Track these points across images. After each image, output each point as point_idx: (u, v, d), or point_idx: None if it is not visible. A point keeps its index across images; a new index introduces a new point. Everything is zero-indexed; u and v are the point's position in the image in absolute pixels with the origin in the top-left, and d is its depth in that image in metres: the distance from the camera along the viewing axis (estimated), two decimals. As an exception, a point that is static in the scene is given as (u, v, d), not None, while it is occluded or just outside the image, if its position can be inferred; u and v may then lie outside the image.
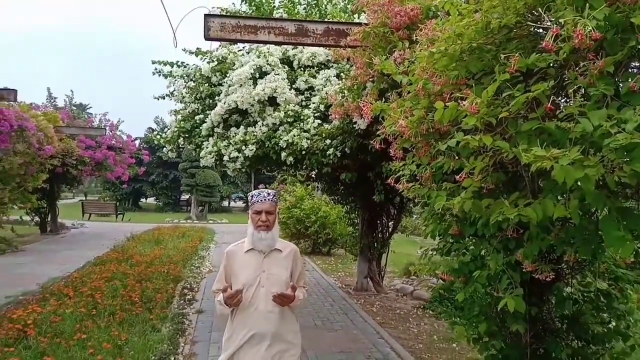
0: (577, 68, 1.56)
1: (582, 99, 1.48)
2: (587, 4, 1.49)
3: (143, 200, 39.53)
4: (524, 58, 1.68)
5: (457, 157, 2.10)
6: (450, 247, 3.38)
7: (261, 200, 2.58)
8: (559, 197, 1.66)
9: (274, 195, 2.67)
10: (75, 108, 30.02)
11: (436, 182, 2.56)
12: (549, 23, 1.60)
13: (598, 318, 3.50)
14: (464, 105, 1.70)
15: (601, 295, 3.46)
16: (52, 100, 21.21)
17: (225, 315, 2.61)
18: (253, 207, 2.60)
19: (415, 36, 2.50)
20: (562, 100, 1.65)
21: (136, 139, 24.49)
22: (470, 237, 3.21)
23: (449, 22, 1.99)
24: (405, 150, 2.67)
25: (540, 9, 1.68)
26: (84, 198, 35.67)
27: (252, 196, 2.65)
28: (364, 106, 2.81)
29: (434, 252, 3.73)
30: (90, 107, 40.77)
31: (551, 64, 1.77)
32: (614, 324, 3.48)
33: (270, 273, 2.56)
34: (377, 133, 2.63)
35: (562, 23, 1.49)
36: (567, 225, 2.37)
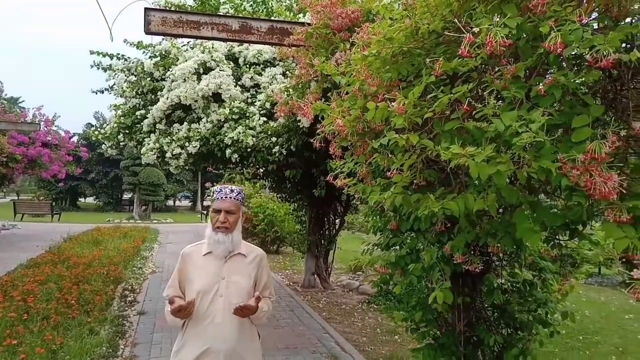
0: (494, 72, 1.69)
1: (498, 101, 1.61)
2: (502, 13, 1.62)
3: (82, 199, 37.64)
4: (448, 62, 1.79)
5: (390, 155, 2.20)
6: (389, 242, 3.52)
7: (222, 198, 2.27)
8: (480, 192, 1.80)
9: (239, 193, 2.34)
10: (5, 102, 28.06)
11: (374, 178, 2.67)
12: (473, 29, 1.72)
13: (525, 306, 3.76)
14: (393, 106, 1.80)
15: (527, 285, 3.72)
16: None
17: (177, 326, 2.29)
18: (213, 204, 2.31)
19: (351, 39, 2.59)
20: (483, 102, 1.78)
21: (74, 135, 23.28)
22: (408, 232, 3.37)
23: (381, 26, 2.09)
24: (345, 148, 2.75)
25: (462, 17, 1.80)
26: (16, 197, 33.44)
27: (213, 192, 2.38)
28: (304, 106, 2.87)
29: (376, 247, 3.88)
30: (23, 101, 38.31)
31: (474, 68, 1.91)
32: (540, 312, 3.75)
33: (230, 281, 2.25)
34: (317, 132, 2.70)
35: (478, 31, 1.61)
36: (492, 219, 2.55)
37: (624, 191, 1.47)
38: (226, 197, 2.28)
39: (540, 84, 1.58)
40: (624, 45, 1.68)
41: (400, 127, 1.90)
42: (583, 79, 1.64)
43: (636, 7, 1.75)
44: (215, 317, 2.20)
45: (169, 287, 2.33)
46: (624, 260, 2.35)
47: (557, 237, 2.83)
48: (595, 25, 1.88)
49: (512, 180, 1.72)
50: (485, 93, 1.65)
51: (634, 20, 1.75)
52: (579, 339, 6.34)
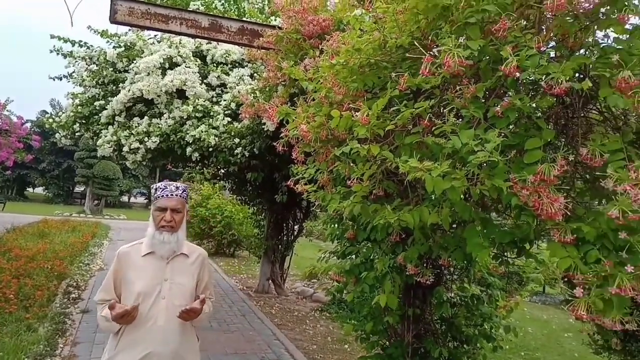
0: (455, 91, 1.75)
1: (457, 119, 1.66)
2: (466, 35, 1.68)
3: (30, 189, 35.87)
4: (413, 78, 1.84)
5: (352, 164, 2.22)
6: (345, 250, 3.54)
7: (167, 195, 2.15)
8: (435, 206, 1.84)
9: (184, 191, 2.23)
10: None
11: (335, 186, 2.69)
12: (434, 50, 1.77)
13: (472, 320, 3.87)
14: (357, 116, 1.82)
15: (475, 300, 3.83)
16: None
17: (111, 331, 2.14)
18: (156, 202, 2.17)
19: (321, 46, 2.61)
20: (444, 119, 1.83)
21: (27, 121, 22.18)
22: (364, 241, 3.40)
23: (350, 36, 2.12)
24: (307, 154, 2.76)
25: (428, 35, 1.85)
26: (-44, 183, 31.45)
27: (155, 189, 2.21)
28: (270, 109, 2.86)
29: (332, 255, 3.89)
30: (-28, 82, 36.12)
31: (437, 86, 1.96)
32: (485, 326, 3.86)
33: (174, 282, 2.15)
34: (281, 136, 2.69)
35: (438, 51, 1.67)
36: (445, 233, 2.62)
37: (569, 213, 1.54)
38: (172, 195, 2.16)
39: (498, 106, 1.64)
40: (577, 74, 1.77)
41: (362, 137, 1.93)
42: (538, 104, 1.71)
43: (590, 40, 1.86)
44: (157, 319, 2.10)
45: (102, 291, 2.17)
46: (566, 279, 2.46)
47: (505, 254, 2.94)
48: (553, 54, 1.98)
49: (465, 196, 1.77)
50: (445, 110, 1.70)
51: (587, 52, 1.85)
52: (521, 355, 6.57)
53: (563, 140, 1.99)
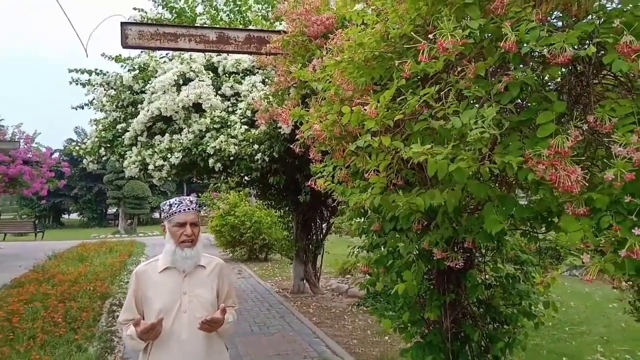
0: (458, 73, 1.76)
1: (460, 101, 1.67)
2: (466, 16, 1.69)
3: (65, 216, 37.10)
4: (417, 65, 1.85)
5: (368, 158, 2.25)
6: (372, 243, 3.58)
7: (184, 210, 2.15)
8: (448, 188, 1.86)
9: (197, 204, 2.26)
10: (-18, 121, 27.56)
11: (354, 181, 2.72)
12: (431, 35, 1.78)
13: (509, 300, 3.83)
14: (366, 110, 1.85)
15: (510, 279, 3.79)
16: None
17: (138, 351, 2.16)
18: (173, 218, 2.16)
19: (326, 45, 2.65)
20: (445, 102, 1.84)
21: (55, 151, 22.98)
22: (391, 232, 3.42)
23: (352, 32, 2.15)
24: (324, 152, 2.80)
25: (429, 21, 1.87)
26: (-3, 217, 32.80)
27: (170, 206, 2.20)
28: (283, 112, 2.92)
29: (361, 249, 3.93)
30: (2, 120, 37.59)
31: (443, 69, 1.97)
32: (524, 304, 3.82)
33: (192, 295, 2.15)
34: (296, 138, 2.74)
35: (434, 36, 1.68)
36: (470, 216, 2.62)
37: (587, 184, 1.53)
38: (188, 210, 2.16)
39: (499, 84, 1.64)
40: (587, 41, 1.75)
41: (375, 129, 1.96)
42: (546, 75, 1.70)
43: (595, 5, 1.83)
44: (180, 334, 2.10)
45: (125, 311, 2.18)
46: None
47: (534, 229, 2.92)
48: (560, 24, 1.96)
49: (480, 177, 1.78)
50: (443, 93, 1.72)
51: (592, 18, 1.83)
52: (565, 330, 6.46)
53: (580, 110, 1.98)
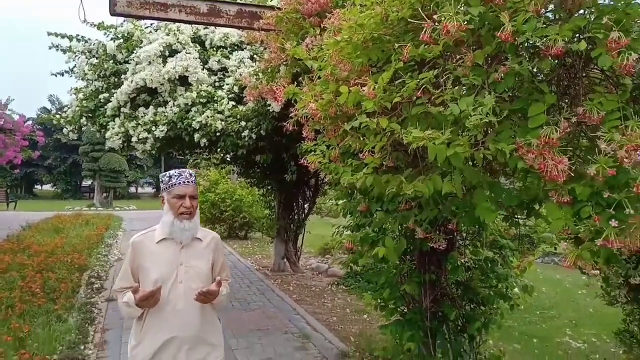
0: (456, 60, 1.80)
1: (457, 87, 1.72)
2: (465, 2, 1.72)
3: (38, 186, 36.23)
4: (415, 49, 1.88)
5: (362, 138, 2.29)
6: (358, 223, 3.64)
7: (184, 182, 2.17)
8: (445, 174, 1.91)
9: (195, 176, 2.28)
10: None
11: (344, 160, 2.76)
12: (435, 16, 1.81)
13: (487, 282, 3.98)
14: (364, 90, 1.88)
15: (489, 262, 3.93)
16: None
17: (133, 318, 2.20)
18: (173, 190, 2.17)
19: (323, 24, 2.64)
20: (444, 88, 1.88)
21: (28, 119, 22.27)
22: (377, 211, 3.50)
23: (352, 12, 2.15)
24: (317, 131, 2.82)
25: (429, 6, 1.89)
26: (-34, 185, 31.83)
27: (169, 177, 2.20)
28: (277, 90, 2.91)
29: (345, 229, 4.00)
30: (-29, 84, 36.14)
31: (440, 55, 2.00)
32: (500, 286, 3.97)
33: (189, 266, 2.19)
34: (290, 115, 2.75)
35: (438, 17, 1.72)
36: (455, 199, 2.69)
37: (572, 174, 1.61)
38: (188, 182, 2.19)
39: (495, 73, 1.69)
40: (578, 35, 1.81)
41: (371, 110, 1.99)
42: (538, 66, 1.76)
43: (588, 0, 1.89)
44: (176, 304, 2.14)
45: (122, 279, 2.21)
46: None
47: (515, 216, 3.03)
48: (552, 16, 2.01)
49: (473, 162, 1.84)
50: (442, 80, 1.76)
51: (585, 12, 1.88)
52: (536, 314, 6.75)
53: (567, 101, 2.05)
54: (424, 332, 3.68)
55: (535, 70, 1.77)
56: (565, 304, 7.40)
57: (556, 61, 2.06)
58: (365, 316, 6.03)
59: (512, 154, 1.70)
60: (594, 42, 1.81)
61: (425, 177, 1.86)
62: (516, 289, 3.98)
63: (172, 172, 2.24)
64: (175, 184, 2.17)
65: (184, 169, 2.28)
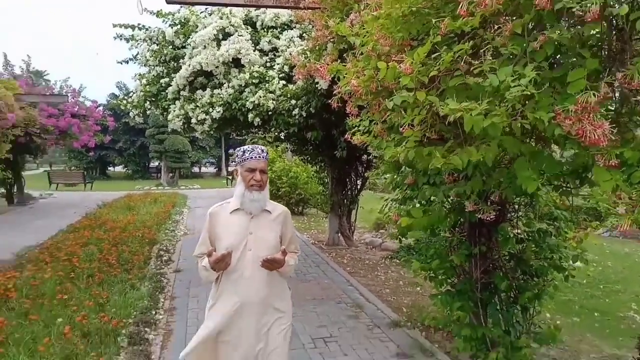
0: (494, 30, 1.80)
1: (495, 58, 1.73)
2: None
3: (111, 168, 38.79)
4: (454, 22, 1.90)
5: (403, 112, 2.34)
6: (404, 196, 3.70)
7: (255, 157, 2.33)
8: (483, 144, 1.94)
9: (267, 153, 2.44)
10: (32, 75, 28.67)
11: (389, 135, 2.82)
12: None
13: (540, 254, 3.92)
14: (401, 67, 1.93)
15: (542, 233, 3.86)
16: (10, 68, 20.25)
17: (210, 282, 2.42)
18: (245, 164, 2.34)
19: (362, 1, 2.68)
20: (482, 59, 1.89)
21: (99, 105, 23.80)
22: (424, 185, 3.54)
23: (390, -13, 2.18)
24: (361, 107, 2.90)
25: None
26: (49, 168, 34.75)
27: (243, 152, 2.38)
28: (321, 67, 3.00)
29: (394, 202, 4.07)
30: (47, 74, 38.96)
31: (479, 26, 2.01)
32: (553, 257, 3.90)
33: (257, 236, 2.35)
34: (334, 92, 2.84)
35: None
36: (501, 169, 2.68)
37: (613, 138, 1.59)
38: (259, 157, 2.34)
39: (535, 42, 1.68)
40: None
41: (409, 85, 2.04)
42: (581, 32, 1.73)
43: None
44: (244, 270, 2.31)
45: (201, 245, 2.41)
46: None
47: (567, 185, 2.96)
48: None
49: (513, 131, 1.85)
50: (482, 50, 1.77)
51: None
52: (600, 288, 6.50)
53: (617, 66, 1.99)
54: (475, 303, 3.71)
55: (573, 37, 1.74)
56: (633, 278, 7.05)
57: (606, 25, 2.00)
58: (418, 289, 6.11)
59: (551, 122, 1.70)
60: (640, 5, 1.74)
61: (462, 149, 1.90)
62: (571, 261, 3.88)
63: (245, 147, 2.41)
64: (247, 159, 2.34)
65: (256, 145, 2.43)
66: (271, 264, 2.27)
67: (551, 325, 3.88)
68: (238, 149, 2.46)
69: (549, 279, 3.91)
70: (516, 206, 3.94)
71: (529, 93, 1.51)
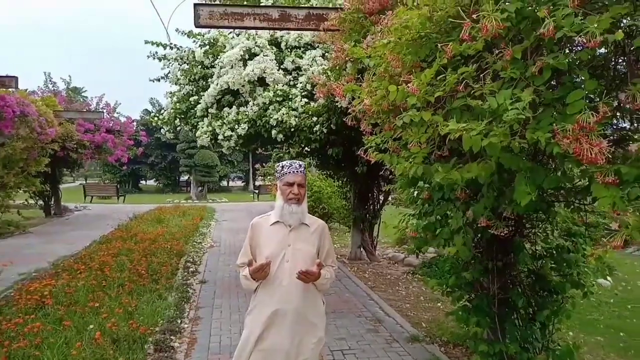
0: (496, 55, 1.91)
1: (495, 81, 1.83)
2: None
3: (143, 182, 39.95)
4: (459, 46, 2.02)
5: (412, 131, 2.46)
6: (422, 210, 3.78)
7: (293, 172, 2.45)
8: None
9: (305, 167, 2.54)
10: (70, 92, 30.03)
11: (401, 152, 2.93)
12: (474, 15, 1.93)
13: (559, 271, 3.91)
14: (409, 87, 2.06)
15: (559, 249, 3.86)
16: (53, 85, 21.38)
17: (251, 290, 2.53)
18: (284, 178, 2.46)
19: (380, 23, 2.83)
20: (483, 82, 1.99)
21: (133, 121, 24.72)
22: (439, 200, 3.61)
23: (400, 13, 2.32)
24: (375, 125, 3.02)
25: (471, 3, 2.02)
26: (84, 181, 36.08)
27: (282, 167, 2.50)
28: (337, 87, 3.15)
29: (411, 217, 4.15)
30: (85, 91, 40.70)
31: (484, 50, 2.11)
32: (572, 273, 3.88)
33: (295, 248, 2.44)
34: (348, 111, 2.98)
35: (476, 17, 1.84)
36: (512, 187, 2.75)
37: (610, 157, 1.66)
38: (297, 172, 2.46)
39: (534, 66, 1.78)
40: (617, 23, 1.83)
41: (418, 105, 2.16)
42: (577, 57, 1.81)
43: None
44: (282, 280, 2.41)
45: (242, 255, 2.55)
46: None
47: (580, 201, 2.99)
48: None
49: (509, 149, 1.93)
50: (482, 74, 1.87)
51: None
52: (627, 308, 6.33)
53: (616, 86, 2.06)
54: (491, 319, 3.72)
55: (571, 60, 1.83)
56: (665, 299, 6.83)
57: (608, 47, 2.08)
58: (439, 304, 6.10)
59: (550, 141, 1.78)
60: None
61: (463, 166, 2.00)
62: (594, 278, 3.85)
63: (284, 162, 2.54)
64: (286, 173, 2.47)
65: (294, 160, 2.57)
66: (307, 276, 2.36)
67: (571, 342, 3.85)
68: (277, 164, 2.62)
69: (568, 296, 3.89)
70: (533, 222, 3.96)
71: (523, 116, 1.60)
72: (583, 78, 1.93)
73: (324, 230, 2.59)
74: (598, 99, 1.92)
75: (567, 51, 1.91)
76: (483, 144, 1.68)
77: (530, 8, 1.87)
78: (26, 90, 15.00)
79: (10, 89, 8.75)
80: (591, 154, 1.68)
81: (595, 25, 1.67)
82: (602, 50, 2.05)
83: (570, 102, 1.79)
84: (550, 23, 1.72)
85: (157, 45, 7.83)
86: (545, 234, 3.97)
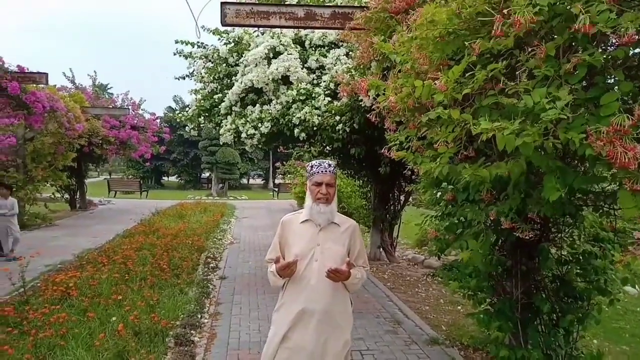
0: (527, 52, 1.87)
1: (530, 79, 1.79)
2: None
3: (165, 178, 40.56)
4: (487, 42, 1.98)
5: (439, 129, 2.43)
6: (444, 212, 3.74)
7: (322, 172, 2.43)
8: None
9: (335, 167, 2.50)
10: (97, 89, 30.69)
11: (427, 151, 2.89)
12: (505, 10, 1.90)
13: (585, 277, 3.81)
14: (436, 84, 2.03)
15: (586, 255, 3.76)
16: (79, 82, 21.88)
17: (278, 287, 2.50)
18: (313, 178, 2.45)
19: (406, 21, 2.80)
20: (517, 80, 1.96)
21: (157, 117, 25.12)
22: (463, 202, 3.56)
23: (427, 9, 2.29)
24: (399, 123, 3.00)
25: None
26: (108, 176, 36.85)
27: (311, 166, 2.48)
28: (362, 82, 3.14)
29: (434, 218, 4.10)
30: (111, 87, 41.60)
31: (515, 46, 2.07)
32: (599, 279, 3.77)
33: (325, 247, 2.41)
34: (372, 108, 2.96)
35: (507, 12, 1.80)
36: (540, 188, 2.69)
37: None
38: (326, 171, 2.43)
39: (568, 64, 1.73)
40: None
41: (445, 103, 2.13)
42: (613, 55, 1.76)
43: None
44: (310, 279, 2.37)
45: (271, 251, 2.53)
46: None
47: (610, 206, 2.90)
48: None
49: (542, 149, 1.89)
50: (518, 72, 1.83)
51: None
52: (656, 318, 6.13)
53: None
54: (514, 324, 3.65)
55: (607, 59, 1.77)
56: (696, 310, 6.59)
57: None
58: (459, 307, 6.02)
59: (582, 142, 1.73)
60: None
61: (489, 163, 1.96)
62: (622, 285, 3.74)
63: (314, 162, 2.52)
64: (315, 173, 2.45)
65: (324, 160, 2.54)
66: (336, 275, 2.32)
67: (595, 351, 3.75)
68: (307, 164, 2.60)
69: (594, 302, 3.79)
70: (560, 227, 3.87)
71: (564, 116, 1.56)
72: (617, 78, 1.88)
73: (355, 230, 2.56)
74: (631, 102, 1.87)
75: (600, 50, 1.86)
76: (516, 143, 1.64)
77: (563, 4, 1.83)
78: (55, 85, 15.44)
79: (40, 85, 8.99)
80: (625, 158, 1.63)
81: (631, 21, 1.62)
82: (638, 50, 1.99)
83: (604, 103, 1.74)
84: (586, 19, 1.67)
85: (186, 44, 7.94)
86: (571, 238, 3.88)
